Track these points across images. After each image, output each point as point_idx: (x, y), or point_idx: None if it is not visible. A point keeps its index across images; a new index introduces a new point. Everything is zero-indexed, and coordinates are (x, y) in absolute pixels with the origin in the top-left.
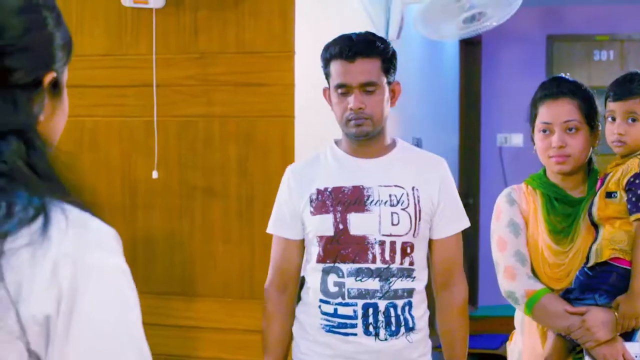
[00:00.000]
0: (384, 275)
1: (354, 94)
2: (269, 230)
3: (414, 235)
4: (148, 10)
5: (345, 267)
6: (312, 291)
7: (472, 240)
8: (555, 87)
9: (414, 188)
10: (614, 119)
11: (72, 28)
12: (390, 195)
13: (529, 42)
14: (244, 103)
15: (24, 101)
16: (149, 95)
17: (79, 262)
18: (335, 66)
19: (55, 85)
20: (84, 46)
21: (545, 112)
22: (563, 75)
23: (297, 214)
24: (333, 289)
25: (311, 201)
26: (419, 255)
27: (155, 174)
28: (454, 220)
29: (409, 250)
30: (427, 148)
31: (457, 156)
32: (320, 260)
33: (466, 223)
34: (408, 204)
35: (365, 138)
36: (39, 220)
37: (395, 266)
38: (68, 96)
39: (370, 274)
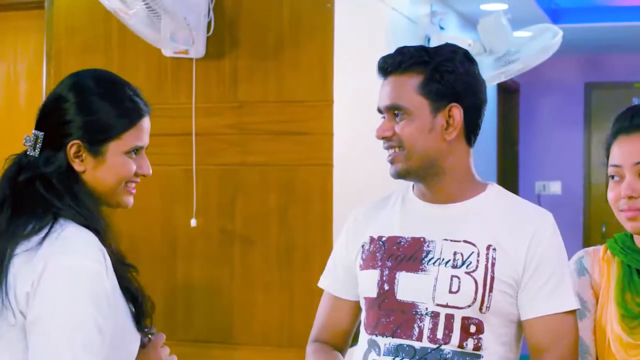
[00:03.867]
0: (430, 358)
1: (383, 119)
2: (319, 283)
3: (481, 309)
4: (188, 60)
5: (383, 342)
6: None
7: None
8: (628, 120)
9: (489, 247)
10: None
11: None
12: (455, 254)
13: (567, 90)
14: (283, 152)
15: (46, 158)
16: (189, 144)
17: (49, 261)
18: None
19: (93, 148)
20: None
21: (616, 153)
22: None
23: (351, 267)
24: None
25: (362, 252)
26: (494, 340)
27: (194, 222)
28: (548, 295)
29: (473, 329)
30: None
31: None
32: (365, 329)
33: (569, 304)
34: (477, 267)
35: (410, 179)
36: (43, 233)
37: (449, 348)
38: None
39: (413, 354)
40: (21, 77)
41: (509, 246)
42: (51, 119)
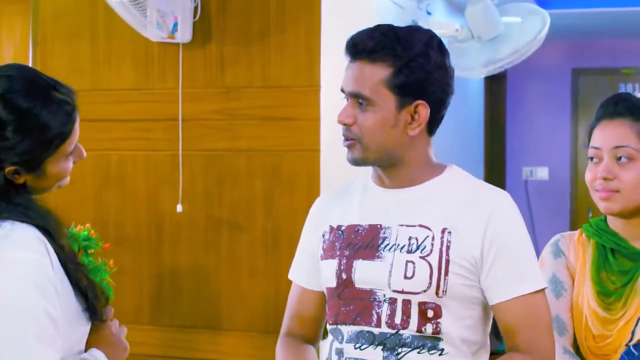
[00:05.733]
0: (389, 343)
1: (346, 104)
2: (289, 274)
3: (437, 293)
4: (175, 45)
5: (345, 330)
6: None
7: None
8: (612, 106)
9: (445, 230)
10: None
11: (99, 63)
12: (410, 239)
13: (554, 75)
14: (270, 137)
15: None
16: (175, 129)
17: None
18: None
19: (30, 169)
20: (111, 81)
21: (597, 136)
22: (631, 92)
23: (314, 257)
24: (334, 358)
25: (323, 242)
26: (455, 324)
27: (179, 208)
28: (514, 278)
29: (430, 314)
30: None
31: None
32: (328, 319)
33: (537, 284)
34: (431, 251)
35: (368, 166)
36: None
37: (408, 333)
38: (94, 130)
39: (372, 340)
40: (7, 62)
41: (464, 229)
42: None
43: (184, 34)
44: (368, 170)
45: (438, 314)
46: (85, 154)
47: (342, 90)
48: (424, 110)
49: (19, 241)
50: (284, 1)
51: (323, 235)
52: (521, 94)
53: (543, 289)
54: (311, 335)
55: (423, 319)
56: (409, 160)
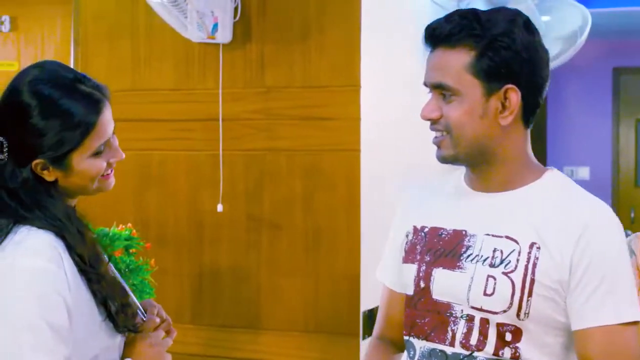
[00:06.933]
0: None
1: (429, 98)
2: (377, 273)
3: (518, 315)
4: (215, 45)
5: (418, 346)
6: None
7: None
8: None
9: (533, 245)
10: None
11: (139, 63)
12: (494, 250)
13: (595, 74)
14: (310, 137)
15: (11, 172)
16: (215, 129)
17: (1, 260)
18: None
19: (57, 163)
20: (151, 81)
21: None
22: None
23: (398, 256)
24: None
25: (406, 242)
26: (535, 349)
27: (220, 207)
28: (598, 304)
29: (509, 337)
30: None
31: None
32: (403, 328)
33: (626, 315)
34: (516, 267)
35: (458, 165)
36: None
37: (483, 356)
38: (135, 130)
39: None
40: None
41: (554, 245)
42: (12, 131)
43: (224, 35)
44: (410, 170)
45: (517, 337)
46: (123, 155)
47: (425, 84)
48: (514, 96)
49: (30, 248)
50: (323, 1)
51: (406, 235)
52: (562, 94)
53: (635, 323)
54: (401, 340)
55: (501, 341)
56: (504, 157)
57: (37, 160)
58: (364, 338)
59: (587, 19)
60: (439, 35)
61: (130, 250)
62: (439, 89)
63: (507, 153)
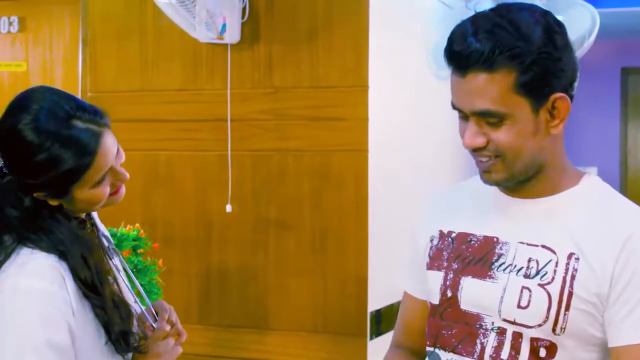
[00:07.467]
0: None
1: (469, 124)
2: (396, 278)
3: (554, 330)
4: (223, 45)
5: (444, 358)
6: None
7: None
8: None
9: (571, 256)
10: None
11: (148, 64)
12: (529, 260)
13: (603, 75)
14: (318, 137)
15: (15, 196)
16: (224, 130)
17: (4, 281)
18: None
19: (57, 196)
20: (159, 81)
21: None
22: None
23: (421, 262)
24: None
25: (430, 248)
26: None
27: (229, 208)
28: (635, 320)
29: (543, 352)
30: None
31: None
32: (427, 338)
33: None
34: (553, 279)
35: (508, 185)
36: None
37: None
38: (143, 130)
39: None
40: (57, 62)
41: (594, 255)
42: (13, 163)
43: (233, 35)
44: (418, 170)
45: (552, 353)
46: (127, 176)
47: (454, 107)
48: (563, 103)
49: (34, 270)
50: (331, 1)
51: (431, 240)
52: None
53: None
54: (420, 348)
55: (534, 357)
56: (548, 165)
57: (38, 194)
58: (371, 338)
59: (595, 20)
60: (474, 59)
61: (138, 251)
62: (483, 116)
63: (555, 159)
